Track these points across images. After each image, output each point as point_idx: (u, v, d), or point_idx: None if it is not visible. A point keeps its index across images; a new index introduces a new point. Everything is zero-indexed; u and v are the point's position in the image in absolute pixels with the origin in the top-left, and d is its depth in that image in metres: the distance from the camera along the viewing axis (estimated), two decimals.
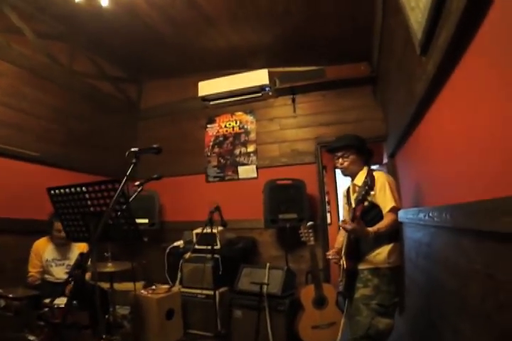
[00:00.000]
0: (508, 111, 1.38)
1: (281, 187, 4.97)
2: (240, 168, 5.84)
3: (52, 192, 2.78)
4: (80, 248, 4.11)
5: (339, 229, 3.43)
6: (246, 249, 5.17)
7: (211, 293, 4.22)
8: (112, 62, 6.10)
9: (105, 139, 5.86)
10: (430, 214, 2.63)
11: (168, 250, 5.23)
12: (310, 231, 3.89)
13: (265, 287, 4.08)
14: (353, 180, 3.15)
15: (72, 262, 4.07)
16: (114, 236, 2.64)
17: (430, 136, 2.78)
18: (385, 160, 5.63)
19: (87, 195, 2.60)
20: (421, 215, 2.96)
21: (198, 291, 4.58)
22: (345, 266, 2.89)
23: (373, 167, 6.50)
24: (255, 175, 5.74)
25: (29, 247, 4.07)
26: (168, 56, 5.81)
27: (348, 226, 2.54)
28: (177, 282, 4.98)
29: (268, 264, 4.40)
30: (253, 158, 5.79)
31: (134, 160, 2.24)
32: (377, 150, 5.65)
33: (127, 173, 2.15)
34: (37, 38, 4.71)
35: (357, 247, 2.91)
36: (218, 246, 4.72)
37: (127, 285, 4.43)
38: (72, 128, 5.27)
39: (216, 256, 4.49)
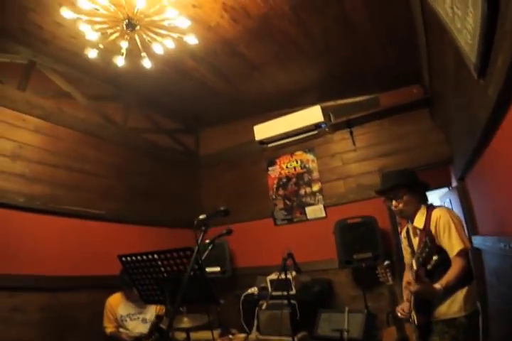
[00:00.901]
0: None
1: (352, 225, 4.85)
2: (308, 209, 5.75)
3: (124, 259, 2.79)
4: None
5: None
6: (322, 291, 5.02)
7: (290, 339, 4.10)
8: (167, 116, 6.31)
9: (168, 191, 5.98)
10: (511, 245, 2.53)
11: (242, 297, 5.15)
12: (387, 270, 3.70)
13: (345, 333, 3.94)
14: (411, 221, 2.85)
15: (147, 316, 4.09)
16: (190, 300, 2.61)
17: (504, 159, 2.65)
18: (454, 184, 5.41)
19: (159, 262, 2.60)
20: (501, 245, 2.83)
21: (276, 338, 4.43)
22: (416, 321, 2.65)
23: (443, 190, 6.30)
24: (323, 214, 5.63)
25: (102, 302, 4.14)
26: (220, 104, 5.95)
27: (412, 289, 2.37)
28: (253, 329, 4.86)
29: (347, 308, 4.24)
30: (319, 197, 5.70)
31: (203, 228, 2.24)
32: (444, 174, 5.45)
33: (198, 242, 2.16)
34: (88, 100, 4.94)
35: (426, 300, 2.64)
36: (294, 292, 4.63)
37: (204, 335, 4.33)
38: (133, 184, 5.40)
39: (292, 301, 4.41)
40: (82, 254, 4.37)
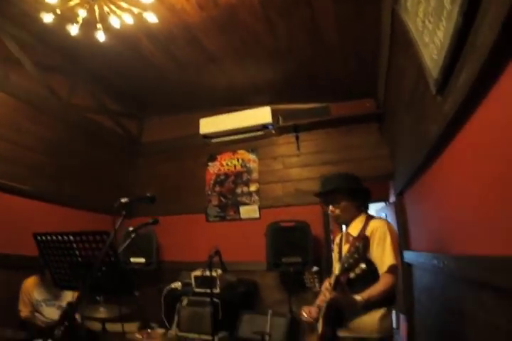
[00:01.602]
0: None
1: (284, 229, 4.80)
2: (242, 208, 5.68)
3: (39, 238, 2.62)
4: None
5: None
6: (247, 292, 4.98)
7: (209, 338, 4.10)
8: (113, 97, 6.08)
9: (100, 174, 5.78)
10: (445, 262, 2.54)
11: (165, 292, 5.03)
12: (315, 276, 3.67)
13: (267, 337, 3.88)
14: (347, 227, 2.66)
15: (63, 303, 3.94)
16: (104, 289, 2.47)
17: (446, 177, 2.67)
18: (392, 199, 5.51)
19: (74, 245, 2.44)
20: (435, 261, 2.84)
21: (196, 336, 4.39)
22: (319, 331, 2.38)
23: (380, 205, 6.46)
24: (257, 215, 5.58)
25: (18, 283, 3.96)
26: (170, 93, 5.82)
27: (328, 295, 2.14)
28: (174, 325, 4.77)
29: (270, 311, 4.20)
30: (255, 197, 5.64)
31: (123, 212, 2.10)
32: (383, 188, 5.54)
33: (116, 227, 2.02)
34: (36, 70, 4.67)
35: (339, 313, 2.37)
36: (218, 290, 4.54)
37: (120, 327, 4.17)
38: (65, 163, 5.17)
39: (216, 300, 4.30)
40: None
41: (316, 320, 2.51)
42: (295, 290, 4.82)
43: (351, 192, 2.61)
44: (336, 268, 2.78)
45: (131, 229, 3.28)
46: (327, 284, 2.38)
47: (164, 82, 5.47)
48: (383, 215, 5.51)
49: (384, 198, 6.17)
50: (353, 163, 5.11)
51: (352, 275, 2.16)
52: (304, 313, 2.57)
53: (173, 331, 4.59)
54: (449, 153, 2.50)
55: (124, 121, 6.40)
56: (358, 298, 2.13)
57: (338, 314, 2.36)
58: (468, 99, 1.82)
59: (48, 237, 2.53)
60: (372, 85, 4.88)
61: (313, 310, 2.56)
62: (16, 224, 4.20)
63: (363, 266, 2.11)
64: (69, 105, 5.22)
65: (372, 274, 2.31)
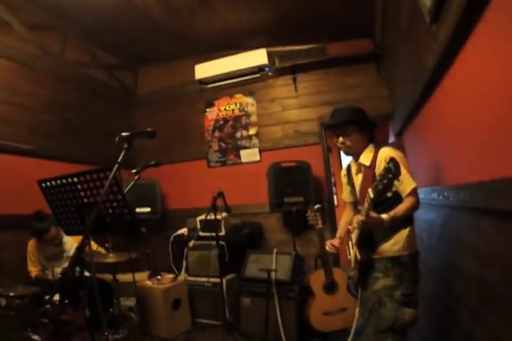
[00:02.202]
0: None
1: (285, 169, 4.81)
2: (242, 152, 5.69)
3: (44, 184, 2.63)
4: (76, 240, 3.99)
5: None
6: (252, 234, 5.06)
7: (218, 280, 4.14)
8: (106, 50, 5.94)
9: (101, 128, 5.69)
10: (445, 194, 2.56)
11: (172, 238, 5.12)
12: (317, 214, 3.72)
13: (273, 273, 3.94)
14: (356, 159, 2.74)
15: (70, 253, 3.99)
16: (111, 228, 2.50)
17: (443, 111, 2.65)
18: (392, 139, 5.48)
19: (79, 186, 2.45)
20: (434, 195, 2.86)
21: (205, 279, 4.48)
22: (358, 257, 2.57)
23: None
24: (258, 158, 5.60)
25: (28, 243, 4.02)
26: (163, 41, 5.65)
27: (360, 218, 2.20)
28: (182, 271, 4.89)
29: (275, 250, 4.25)
30: (255, 140, 5.64)
31: (125, 146, 2.09)
32: (382, 130, 5.52)
33: (119, 160, 2.01)
34: (27, 30, 4.55)
35: (370, 236, 2.59)
36: (223, 233, 4.63)
37: (131, 277, 4.28)
38: (66, 119, 5.12)
39: (221, 242, 4.39)
40: (6, 191, 4.11)
41: (338, 249, 2.79)
42: (298, 230, 4.93)
43: (362, 124, 2.68)
44: (346, 197, 3.02)
45: (134, 171, 3.31)
46: (346, 219, 2.85)
47: (157, 31, 5.32)
48: None
49: (384, 140, 6.14)
50: (352, 103, 4.99)
51: (389, 194, 2.39)
52: (328, 247, 2.82)
53: (182, 276, 4.68)
54: (445, 85, 2.48)
55: (118, 74, 6.30)
56: (384, 216, 2.25)
57: (370, 239, 2.57)
58: (462, 24, 1.78)
59: (53, 182, 2.56)
60: (369, 25, 4.76)
61: (335, 241, 2.82)
62: (20, 184, 4.17)
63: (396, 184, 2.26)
64: (63, 61, 5.12)
65: (393, 198, 2.45)
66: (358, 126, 2.65)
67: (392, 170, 1.96)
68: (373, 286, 2.57)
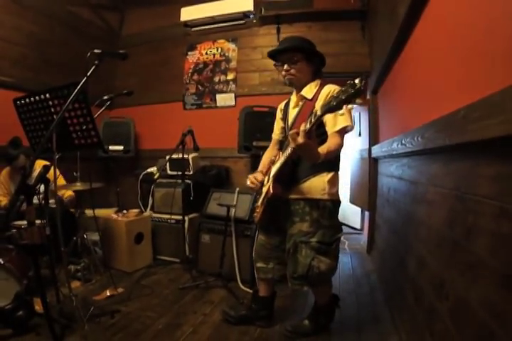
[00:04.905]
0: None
1: (257, 114, 4.83)
2: (218, 96, 5.73)
3: (18, 102, 2.72)
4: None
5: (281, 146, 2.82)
6: (219, 176, 5.15)
7: (181, 218, 4.24)
8: None
9: (83, 66, 5.63)
10: (403, 141, 2.58)
11: (141, 176, 5.21)
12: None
13: (233, 210, 3.98)
14: (298, 91, 2.59)
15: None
16: (77, 144, 2.59)
17: (413, 64, 2.73)
18: (368, 97, 5.57)
19: (50, 102, 2.52)
20: (394, 145, 2.93)
21: (168, 216, 4.55)
22: (271, 191, 2.36)
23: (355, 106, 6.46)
24: (233, 103, 5.65)
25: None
26: None
27: (300, 140, 1.88)
28: (148, 207, 4.99)
29: (237, 189, 4.28)
30: (232, 86, 5.68)
31: (96, 62, 2.15)
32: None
33: (88, 74, 2.08)
34: None
35: (291, 172, 2.46)
36: (191, 172, 4.73)
37: (99, 212, 4.34)
38: (48, 55, 5.09)
39: (188, 181, 4.49)
40: None
41: (261, 184, 2.60)
42: None
43: (309, 54, 2.53)
44: (276, 134, 2.92)
45: (105, 97, 3.35)
46: (269, 155, 2.55)
47: None
48: (356, 115, 5.59)
49: (362, 98, 6.21)
50: (331, 57, 4.92)
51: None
52: (249, 180, 2.62)
53: (148, 212, 4.78)
54: (416, 35, 2.55)
55: (104, 14, 6.20)
56: (319, 150, 2.09)
57: (290, 176, 2.45)
58: None
59: (27, 100, 2.65)
60: None
61: (258, 175, 2.63)
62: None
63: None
64: None
65: (323, 136, 2.34)
66: (305, 54, 2.50)
67: (358, 85, 1.53)
68: (290, 230, 2.51)
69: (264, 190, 2.54)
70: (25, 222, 2.90)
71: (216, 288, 3.70)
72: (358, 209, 6.16)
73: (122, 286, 3.66)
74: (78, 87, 2.06)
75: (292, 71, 2.52)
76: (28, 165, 2.10)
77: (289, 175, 2.45)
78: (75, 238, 3.74)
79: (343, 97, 1.57)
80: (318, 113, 1.74)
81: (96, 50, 2.16)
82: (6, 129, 3.82)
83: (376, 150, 4.20)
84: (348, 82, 1.55)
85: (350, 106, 1.59)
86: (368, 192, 4.77)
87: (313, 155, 2.06)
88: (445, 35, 1.87)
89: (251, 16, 5.24)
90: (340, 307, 2.86)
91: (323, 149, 2.14)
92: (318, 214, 2.41)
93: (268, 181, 2.52)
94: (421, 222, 2.24)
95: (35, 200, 2.08)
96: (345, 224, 6.83)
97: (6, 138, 3.87)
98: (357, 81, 1.53)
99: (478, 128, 1.25)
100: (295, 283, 2.50)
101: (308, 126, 1.85)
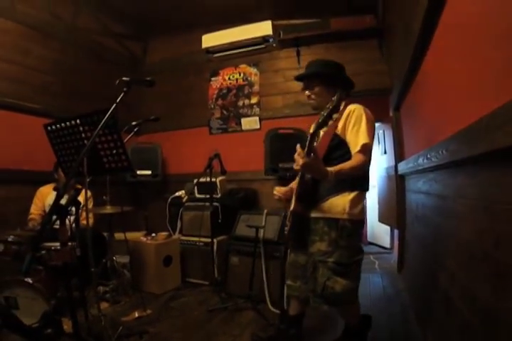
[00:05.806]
0: None
1: (282, 136, 4.89)
2: (243, 120, 5.83)
3: (49, 128, 2.82)
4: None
5: None
6: (246, 198, 5.17)
7: (209, 240, 4.28)
8: (116, 19, 6.00)
9: (107, 94, 5.74)
10: (428, 156, 2.52)
11: (169, 200, 5.27)
12: None
13: (261, 231, 3.96)
14: None
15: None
16: (105, 168, 2.66)
17: (432, 79, 2.71)
18: (391, 114, 5.58)
19: (81, 128, 2.61)
20: (420, 160, 2.87)
21: (197, 239, 4.57)
22: (290, 207, 2.42)
23: (377, 123, 6.49)
24: (258, 126, 5.75)
25: (31, 198, 4.18)
26: (172, 11, 5.72)
27: (300, 160, 2.01)
28: (177, 231, 5.06)
29: (266, 210, 4.29)
30: (256, 109, 5.78)
31: (125, 89, 2.24)
32: (384, 105, 5.61)
33: (117, 100, 2.16)
34: None
35: (312, 189, 2.44)
36: (218, 195, 4.77)
37: (128, 235, 4.38)
38: (74, 83, 5.26)
39: (216, 204, 4.52)
40: (15, 148, 4.32)
41: (288, 198, 2.61)
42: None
43: (327, 78, 2.57)
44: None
45: (134, 123, 3.45)
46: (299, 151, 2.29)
47: (167, 1, 5.42)
48: (380, 132, 5.59)
49: (385, 115, 6.24)
50: (352, 76, 5.10)
51: (340, 152, 2.36)
52: (276, 192, 2.65)
53: (176, 235, 4.84)
54: (433, 49, 2.54)
55: (128, 43, 6.39)
56: (329, 168, 2.14)
57: (311, 193, 2.44)
58: None
59: (57, 126, 2.74)
60: (371, 2, 4.85)
61: (284, 188, 2.66)
62: (28, 141, 4.38)
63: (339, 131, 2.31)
64: (74, 28, 5.22)
65: (346, 155, 2.36)
66: (322, 79, 2.55)
67: (334, 102, 1.94)
68: (310, 248, 2.48)
69: (291, 207, 2.50)
70: (54, 244, 2.96)
71: (245, 310, 3.67)
72: (388, 228, 6.09)
73: (151, 308, 3.68)
74: (109, 113, 2.13)
75: (312, 96, 2.61)
76: (62, 186, 2.16)
77: (311, 194, 2.44)
78: (104, 260, 3.81)
79: (325, 114, 1.91)
80: (310, 130, 2.03)
81: (124, 78, 2.25)
82: (35, 153, 4.15)
83: (402, 167, 4.16)
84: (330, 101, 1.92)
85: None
86: (396, 210, 4.72)
87: (320, 173, 2.14)
88: (460, 46, 1.88)
89: (270, 40, 5.33)
90: (371, 327, 2.80)
91: (336, 167, 2.18)
92: (336, 234, 2.37)
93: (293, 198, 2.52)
94: (450, 234, 2.18)
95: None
96: (374, 244, 6.77)
97: (39, 160, 4.20)
98: (334, 98, 1.91)
99: (502, 134, 1.22)
100: (315, 301, 2.47)
101: (305, 149, 2.00)
